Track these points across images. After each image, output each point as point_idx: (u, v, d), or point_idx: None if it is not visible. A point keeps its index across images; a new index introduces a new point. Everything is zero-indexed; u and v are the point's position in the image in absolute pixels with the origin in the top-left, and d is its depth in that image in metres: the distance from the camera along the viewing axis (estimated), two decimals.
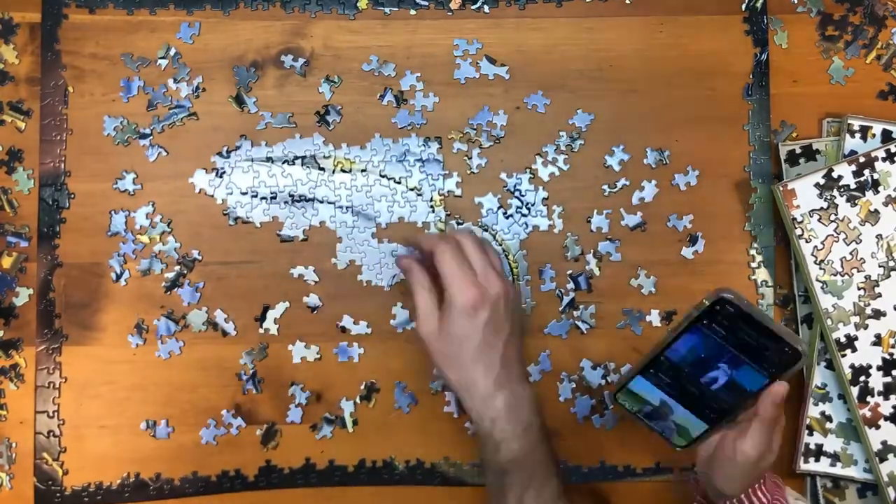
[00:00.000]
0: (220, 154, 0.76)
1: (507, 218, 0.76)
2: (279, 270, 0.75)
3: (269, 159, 0.76)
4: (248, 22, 0.76)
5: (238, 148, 0.76)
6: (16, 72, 0.76)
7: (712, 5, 0.77)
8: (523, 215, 0.76)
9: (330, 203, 0.76)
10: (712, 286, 0.74)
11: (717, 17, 0.77)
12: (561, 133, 0.76)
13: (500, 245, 0.75)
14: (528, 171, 0.76)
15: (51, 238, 0.75)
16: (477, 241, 0.67)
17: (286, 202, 0.76)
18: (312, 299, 0.75)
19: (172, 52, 0.76)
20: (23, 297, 0.75)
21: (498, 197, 0.76)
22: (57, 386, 0.74)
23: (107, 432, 0.74)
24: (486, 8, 0.77)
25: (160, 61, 0.76)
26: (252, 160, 0.76)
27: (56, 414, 0.74)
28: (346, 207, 0.76)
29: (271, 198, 0.76)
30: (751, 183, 0.76)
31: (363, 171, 0.76)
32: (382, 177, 0.76)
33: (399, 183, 0.76)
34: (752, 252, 0.76)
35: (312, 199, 0.76)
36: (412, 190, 0.76)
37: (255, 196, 0.76)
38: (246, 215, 0.75)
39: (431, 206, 0.76)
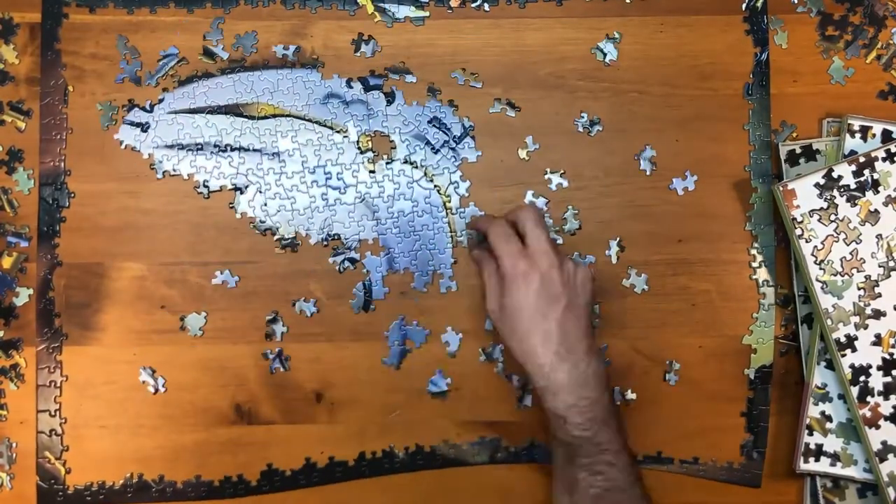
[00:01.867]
0: (143, 108, 0.76)
1: (435, 153, 0.76)
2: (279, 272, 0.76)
3: (192, 110, 0.75)
4: (248, 21, 0.76)
5: (161, 101, 0.76)
6: (16, 72, 0.76)
7: (712, 5, 0.77)
8: (451, 148, 0.76)
9: (256, 151, 0.75)
10: (713, 286, 0.75)
11: (717, 16, 0.77)
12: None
13: (431, 180, 0.75)
14: (451, 104, 0.76)
15: (51, 237, 0.75)
16: (534, 218, 0.68)
17: (212, 152, 0.75)
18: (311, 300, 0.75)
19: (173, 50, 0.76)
20: (23, 297, 0.75)
21: (425, 132, 0.76)
22: (58, 385, 0.74)
23: (107, 432, 0.74)
24: (486, 6, 0.77)
25: (161, 62, 0.76)
26: (175, 112, 0.75)
27: (58, 413, 0.74)
28: (273, 154, 0.75)
29: (197, 149, 0.75)
30: (751, 183, 0.76)
31: (287, 116, 0.75)
32: (308, 120, 0.75)
33: (325, 125, 0.76)
34: (753, 252, 0.76)
35: (238, 148, 0.75)
36: (338, 132, 0.76)
37: (182, 148, 0.75)
38: (173, 168, 0.75)
39: (359, 148, 0.76)
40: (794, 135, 0.77)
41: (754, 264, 0.76)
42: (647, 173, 0.76)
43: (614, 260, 0.76)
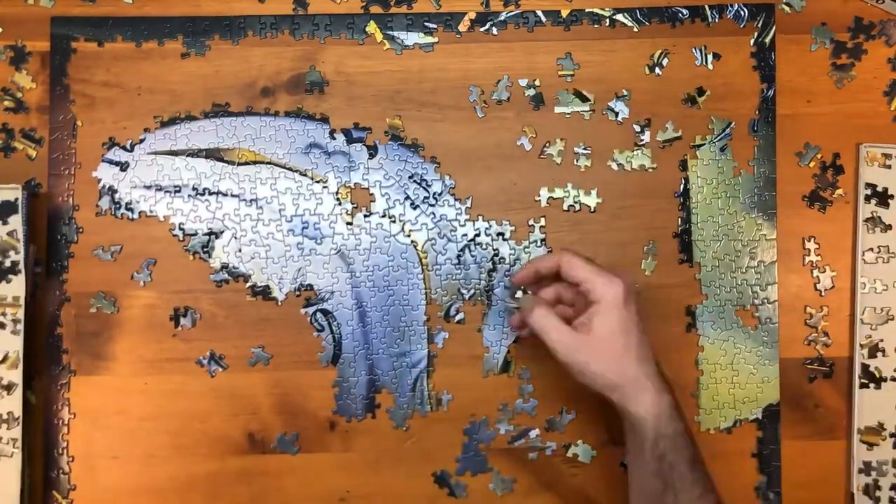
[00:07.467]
0: (123, 147, 0.75)
1: (414, 209, 0.75)
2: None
3: (172, 152, 0.75)
4: (258, 49, 0.76)
5: (142, 141, 0.75)
6: (28, 100, 0.76)
7: (721, 33, 0.76)
8: (430, 205, 0.75)
9: (234, 196, 0.75)
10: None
11: (728, 38, 0.76)
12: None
13: (409, 236, 0.74)
14: (433, 160, 0.75)
15: (59, 273, 0.74)
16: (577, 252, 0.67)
17: (190, 196, 0.75)
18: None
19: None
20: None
21: (405, 187, 0.75)
22: (66, 423, 0.74)
23: (118, 463, 0.74)
24: (493, 30, 0.76)
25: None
26: (156, 153, 0.75)
27: (65, 451, 0.74)
28: (251, 200, 0.75)
29: (175, 191, 0.75)
30: (755, 220, 0.76)
31: (268, 163, 0.75)
32: (288, 169, 0.75)
33: (304, 175, 0.75)
34: (756, 288, 0.75)
35: (216, 193, 0.75)
36: (318, 182, 0.75)
37: (160, 190, 0.75)
38: (149, 209, 0.75)
39: (338, 199, 0.75)
40: (819, 156, 0.76)
41: (756, 301, 0.75)
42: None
43: None
